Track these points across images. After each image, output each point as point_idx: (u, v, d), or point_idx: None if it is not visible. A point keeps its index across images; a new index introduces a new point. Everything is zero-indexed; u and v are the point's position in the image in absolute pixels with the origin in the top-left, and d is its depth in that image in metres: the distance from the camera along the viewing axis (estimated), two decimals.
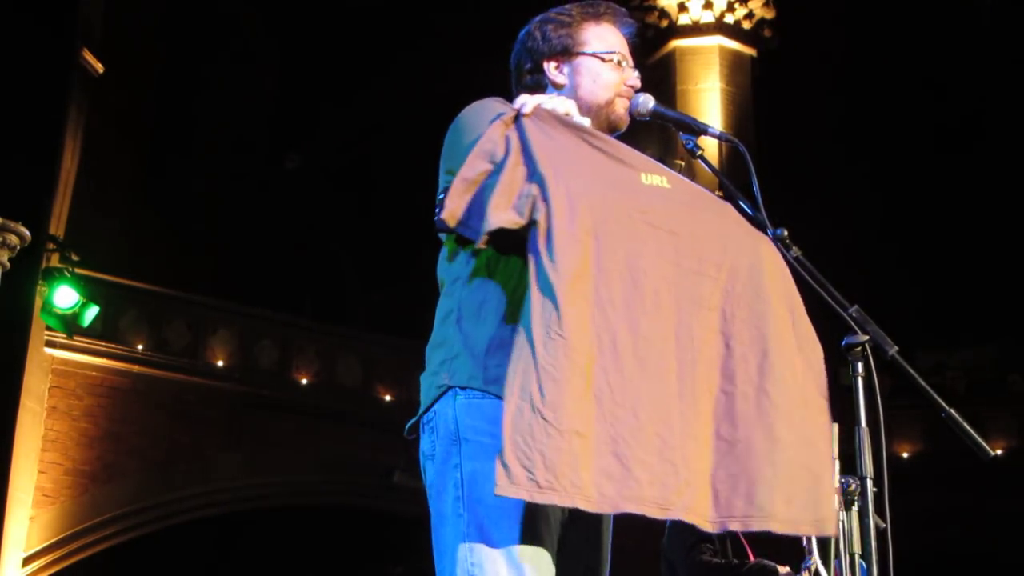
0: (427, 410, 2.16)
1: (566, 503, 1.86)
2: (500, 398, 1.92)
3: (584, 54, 2.37)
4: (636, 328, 1.97)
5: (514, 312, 2.05)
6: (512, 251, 2.09)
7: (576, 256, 1.93)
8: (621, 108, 2.37)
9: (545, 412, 1.85)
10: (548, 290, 1.90)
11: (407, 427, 2.26)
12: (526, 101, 2.06)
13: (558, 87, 2.36)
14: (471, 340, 2.12)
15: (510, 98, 2.20)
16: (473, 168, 1.99)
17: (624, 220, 2.01)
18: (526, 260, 1.97)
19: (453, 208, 1.99)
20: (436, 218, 2.02)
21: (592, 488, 1.87)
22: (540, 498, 1.84)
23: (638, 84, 2.40)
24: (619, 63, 2.38)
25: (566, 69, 2.37)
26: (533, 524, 2.04)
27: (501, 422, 1.88)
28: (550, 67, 2.38)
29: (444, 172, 2.19)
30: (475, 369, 2.09)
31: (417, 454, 2.25)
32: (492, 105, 2.21)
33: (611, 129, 2.36)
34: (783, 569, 4.67)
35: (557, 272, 1.91)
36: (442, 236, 2.25)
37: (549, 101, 2.09)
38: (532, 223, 1.95)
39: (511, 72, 2.45)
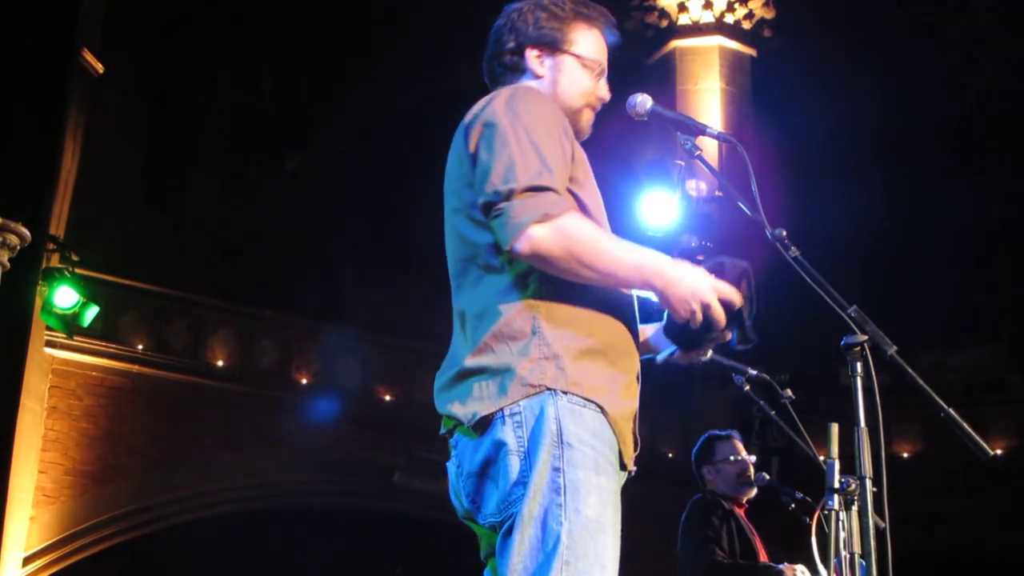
0: (512, 403, 2.05)
1: None
2: (600, 409, 2.07)
3: (570, 53, 2.36)
4: None
5: (614, 320, 2.16)
6: None
7: None
8: (586, 120, 2.38)
9: None
10: None
11: (464, 417, 2.09)
12: None
13: (537, 77, 2.35)
14: (570, 345, 2.09)
15: None
16: None
17: None
18: None
19: None
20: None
21: None
22: None
23: (608, 97, 2.40)
24: (598, 74, 2.38)
25: (548, 62, 2.36)
26: (617, 539, 2.07)
27: (602, 435, 2.06)
28: (532, 55, 2.36)
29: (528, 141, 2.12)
30: (579, 376, 2.07)
31: (458, 447, 2.15)
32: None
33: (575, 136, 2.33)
34: (793, 568, 4.64)
35: None
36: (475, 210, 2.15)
37: None
38: None
39: (488, 46, 2.42)
